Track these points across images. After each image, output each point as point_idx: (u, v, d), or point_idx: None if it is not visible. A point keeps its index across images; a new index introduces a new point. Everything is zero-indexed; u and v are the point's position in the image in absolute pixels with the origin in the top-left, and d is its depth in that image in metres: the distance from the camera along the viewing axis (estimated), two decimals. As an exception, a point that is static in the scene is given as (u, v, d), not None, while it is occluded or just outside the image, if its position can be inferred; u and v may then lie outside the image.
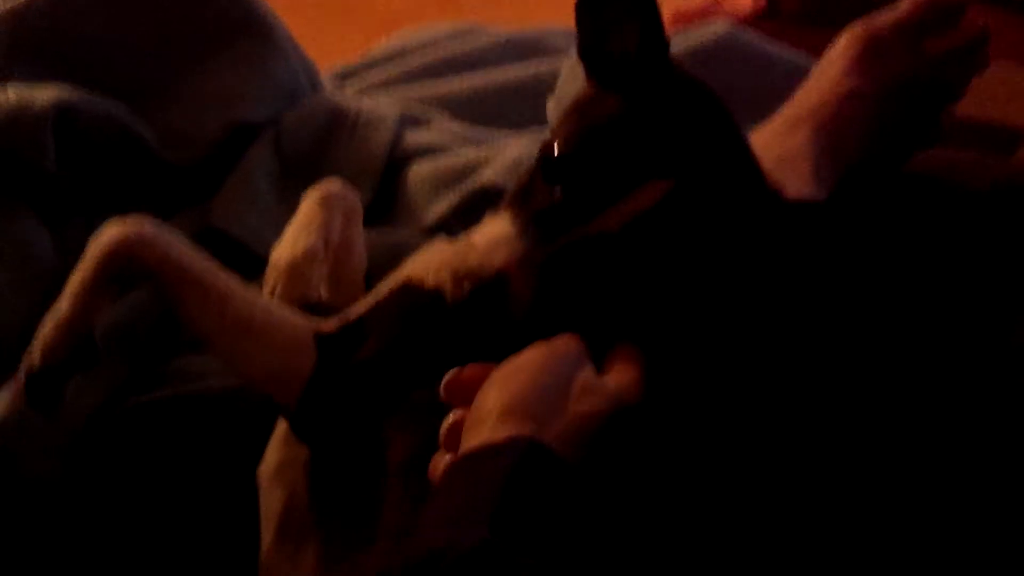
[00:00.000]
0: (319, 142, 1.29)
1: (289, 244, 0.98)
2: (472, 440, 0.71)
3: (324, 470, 0.86)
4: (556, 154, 0.82)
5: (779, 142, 0.99)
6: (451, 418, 0.75)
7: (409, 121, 1.36)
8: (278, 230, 1.02)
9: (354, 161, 1.27)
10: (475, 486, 0.67)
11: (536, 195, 0.83)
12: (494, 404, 0.72)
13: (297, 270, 0.96)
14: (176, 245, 0.89)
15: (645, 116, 0.82)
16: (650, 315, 0.81)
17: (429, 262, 0.87)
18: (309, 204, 1.00)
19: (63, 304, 0.90)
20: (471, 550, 0.63)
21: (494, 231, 0.84)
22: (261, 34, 1.29)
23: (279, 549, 0.84)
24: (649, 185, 0.80)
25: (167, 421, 1.01)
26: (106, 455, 0.99)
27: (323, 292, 0.97)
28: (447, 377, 0.76)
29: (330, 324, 0.88)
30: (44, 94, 1.11)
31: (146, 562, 0.98)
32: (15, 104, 1.10)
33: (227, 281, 0.88)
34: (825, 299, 0.87)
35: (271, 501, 0.88)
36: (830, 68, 1.02)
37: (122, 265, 0.88)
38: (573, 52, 1.50)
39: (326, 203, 1.00)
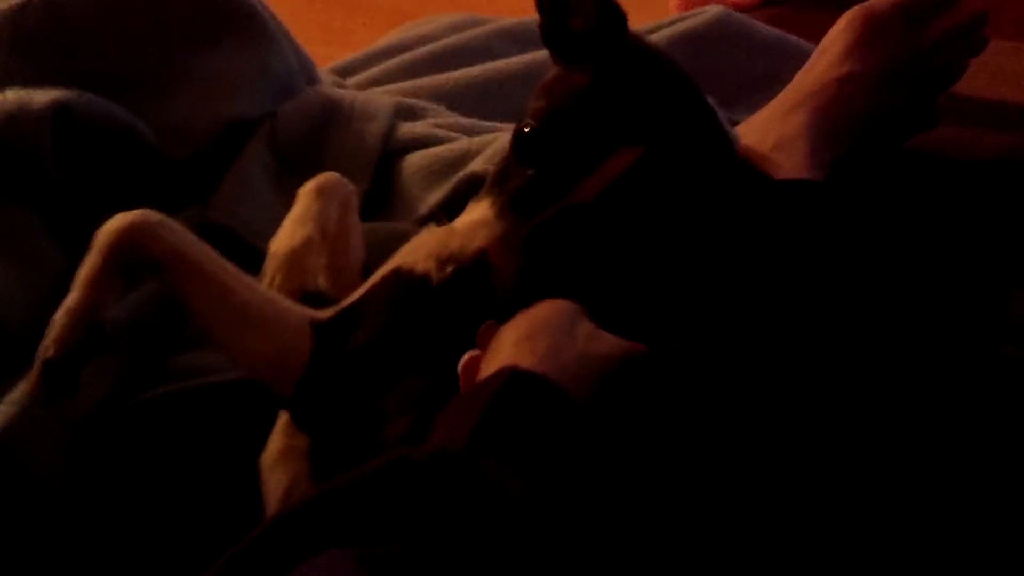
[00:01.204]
0: (314, 135, 1.30)
1: (286, 235, 0.99)
2: (488, 371, 0.76)
3: (324, 455, 0.87)
4: (526, 132, 0.84)
5: (777, 124, 0.99)
6: (467, 356, 0.79)
7: (404, 113, 1.37)
8: (276, 223, 1.03)
9: (349, 153, 1.28)
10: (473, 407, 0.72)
11: (512, 176, 0.84)
12: (507, 339, 0.77)
13: (295, 261, 0.97)
14: (180, 234, 0.91)
15: (610, 88, 0.84)
16: (631, 279, 0.82)
17: (417, 249, 0.89)
18: (305, 195, 1.01)
19: (73, 295, 0.92)
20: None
21: (474, 215, 0.85)
22: (256, 28, 1.30)
23: None
24: (619, 153, 0.82)
25: (172, 417, 1.01)
26: (111, 451, 1.00)
27: (322, 282, 0.98)
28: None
29: (326, 313, 0.89)
30: (42, 95, 1.12)
31: (151, 556, 0.99)
32: (14, 105, 1.11)
33: (229, 271, 0.90)
34: (820, 273, 0.87)
35: (272, 488, 0.89)
36: (829, 50, 1.02)
37: (128, 254, 0.90)
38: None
39: (322, 194, 1.01)
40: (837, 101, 0.98)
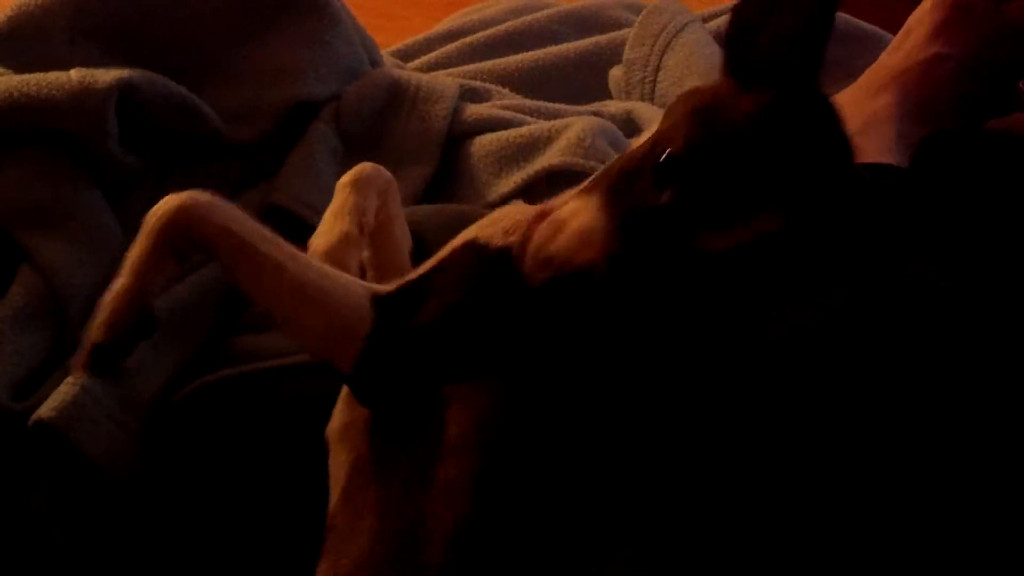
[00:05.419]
0: (379, 116, 1.28)
1: (324, 232, 0.97)
2: None
3: (384, 431, 0.85)
4: (676, 154, 0.75)
5: (862, 106, 0.96)
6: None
7: (469, 95, 1.36)
8: (340, 205, 1.02)
9: (415, 134, 1.27)
10: None
11: (638, 190, 0.76)
12: None
13: (334, 257, 0.95)
14: (232, 214, 0.89)
15: (780, 130, 0.75)
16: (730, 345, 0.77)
17: (499, 223, 0.85)
18: (342, 189, 0.99)
19: (122, 277, 0.90)
20: None
21: (582, 218, 0.78)
22: (320, 10, 1.29)
23: (344, 509, 0.84)
24: (768, 213, 0.74)
25: (234, 400, 1.01)
26: (174, 436, 1.00)
27: (367, 277, 0.96)
28: None
29: (388, 287, 0.87)
30: (106, 75, 1.11)
31: (211, 543, 0.98)
32: (77, 85, 1.11)
33: (283, 248, 0.88)
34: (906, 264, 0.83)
35: (337, 462, 0.87)
36: (916, 30, 1.00)
37: (178, 236, 0.88)
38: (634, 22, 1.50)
39: (358, 187, 0.98)
40: (924, 83, 0.96)
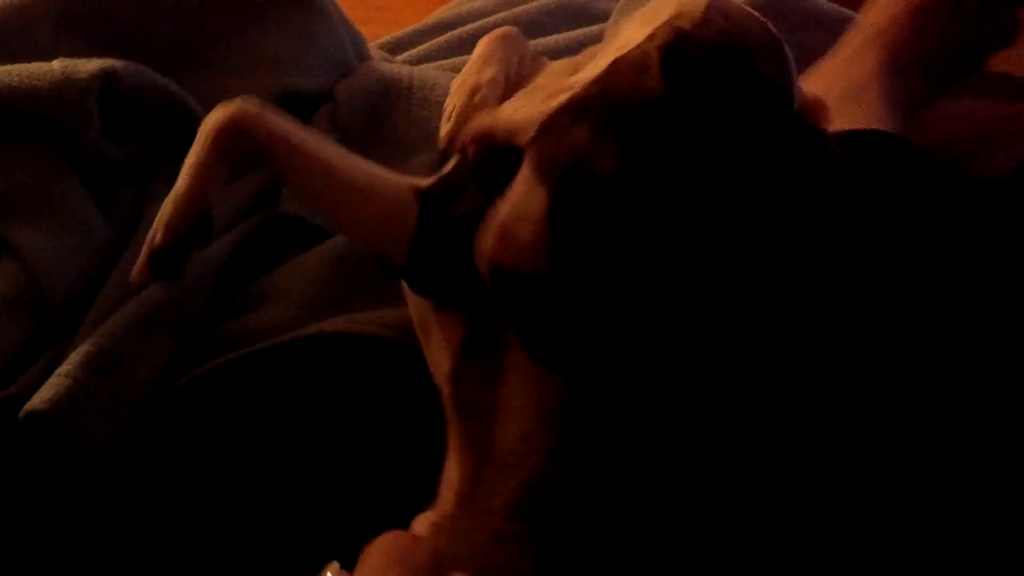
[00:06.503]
0: (375, 111, 1.28)
1: (473, 72, 1.00)
2: None
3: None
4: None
5: (846, 71, 0.93)
6: None
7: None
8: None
9: (416, 123, 1.27)
10: None
11: None
12: None
13: (480, 96, 0.98)
14: (281, 121, 0.94)
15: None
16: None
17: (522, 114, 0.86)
18: (488, 41, 1.02)
19: (181, 184, 0.96)
20: None
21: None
22: (305, 3, 1.29)
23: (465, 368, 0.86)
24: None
25: (235, 383, 1.00)
26: (174, 426, 0.99)
27: None
28: None
29: (428, 180, 0.90)
30: (88, 64, 1.11)
31: (212, 534, 0.97)
32: (60, 75, 1.10)
33: (332, 151, 0.93)
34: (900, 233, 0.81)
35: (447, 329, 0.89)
36: None
37: (233, 141, 0.94)
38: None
39: (506, 42, 1.02)
40: (911, 36, 0.93)
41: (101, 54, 1.17)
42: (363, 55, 1.40)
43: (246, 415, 0.99)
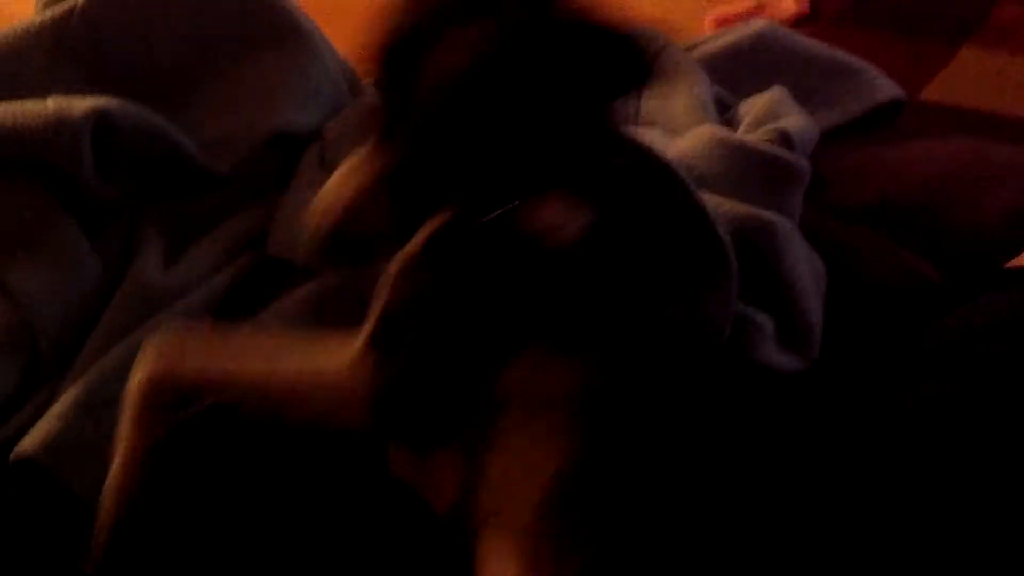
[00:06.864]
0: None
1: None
2: None
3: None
4: None
5: None
6: None
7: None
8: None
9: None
10: None
11: None
12: None
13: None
14: (207, 346, 0.93)
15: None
16: None
17: None
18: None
19: (116, 464, 0.93)
20: None
21: None
22: (298, 41, 1.29)
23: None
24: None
25: (212, 431, 1.00)
26: (160, 472, 0.98)
27: None
28: None
29: (359, 339, 0.89)
30: (82, 103, 1.11)
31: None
32: (53, 114, 1.10)
33: (262, 349, 0.93)
34: None
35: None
36: None
37: (161, 396, 0.92)
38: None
39: None
40: None
41: (97, 88, 1.17)
42: (357, 90, 1.40)
43: (231, 459, 0.99)
